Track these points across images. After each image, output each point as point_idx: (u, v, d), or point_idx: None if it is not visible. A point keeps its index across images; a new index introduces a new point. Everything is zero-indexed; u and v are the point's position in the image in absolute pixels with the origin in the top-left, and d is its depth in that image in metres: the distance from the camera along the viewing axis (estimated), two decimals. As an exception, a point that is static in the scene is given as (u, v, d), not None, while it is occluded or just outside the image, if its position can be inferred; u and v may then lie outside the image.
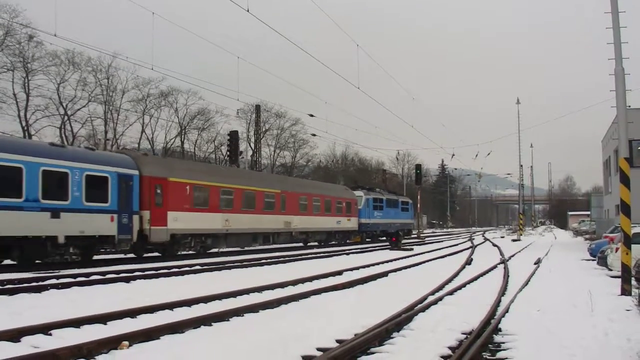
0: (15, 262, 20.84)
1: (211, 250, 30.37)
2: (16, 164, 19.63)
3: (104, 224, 23.14)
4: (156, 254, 27.29)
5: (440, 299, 13.94)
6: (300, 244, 40.86)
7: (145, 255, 26.52)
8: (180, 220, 27.09)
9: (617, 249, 18.07)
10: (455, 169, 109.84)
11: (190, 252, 28.78)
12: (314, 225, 40.95)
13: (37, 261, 21.02)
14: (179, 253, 27.92)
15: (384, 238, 51.46)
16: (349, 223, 46.32)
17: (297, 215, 38.46)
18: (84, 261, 22.66)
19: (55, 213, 20.96)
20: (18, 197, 19.70)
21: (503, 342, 9.26)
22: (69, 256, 22.19)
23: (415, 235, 62.30)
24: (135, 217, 24.76)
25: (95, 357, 8.21)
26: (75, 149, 24.83)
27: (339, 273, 20.54)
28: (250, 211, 32.92)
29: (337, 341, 9.06)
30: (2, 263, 20.59)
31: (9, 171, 19.38)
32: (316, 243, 43.23)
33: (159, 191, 26.21)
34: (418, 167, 62.41)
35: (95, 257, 24.10)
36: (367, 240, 49.82)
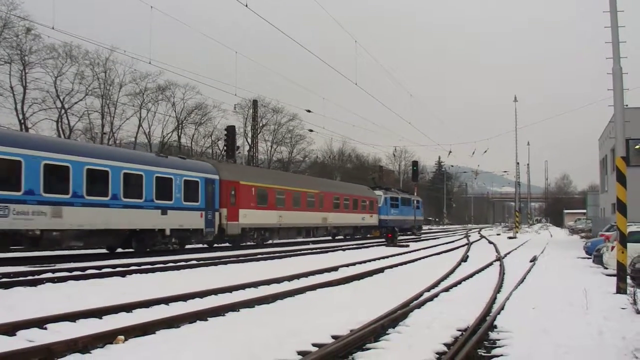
0: (132, 250, 25.46)
1: (267, 242, 35.58)
2: (139, 172, 25.17)
3: (195, 220, 28.55)
4: (204, 246, 31.14)
5: (436, 295, 13.97)
6: (294, 240, 41.37)
7: (189, 246, 30.05)
8: (248, 217, 32.80)
9: (612, 248, 18.11)
10: (452, 166, 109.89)
11: (252, 243, 33.93)
12: (344, 221, 46.61)
13: (148, 249, 25.68)
14: (244, 244, 33.14)
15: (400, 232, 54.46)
16: (371, 219, 51.42)
17: (332, 212, 44.14)
18: (181, 249, 27.89)
19: (164, 210, 26.39)
20: (140, 198, 24.96)
21: (498, 339, 9.28)
22: (171, 245, 27.21)
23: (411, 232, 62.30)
24: (217, 214, 30.29)
25: (91, 351, 8.20)
26: (175, 158, 29.80)
27: (335, 269, 20.56)
28: (297, 209, 38.77)
29: (333, 337, 9.07)
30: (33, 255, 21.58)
31: (135, 178, 24.86)
32: (341, 236, 48.41)
33: (232, 192, 31.74)
34: (415, 163, 62.62)
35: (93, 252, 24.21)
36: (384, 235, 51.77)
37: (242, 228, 32.36)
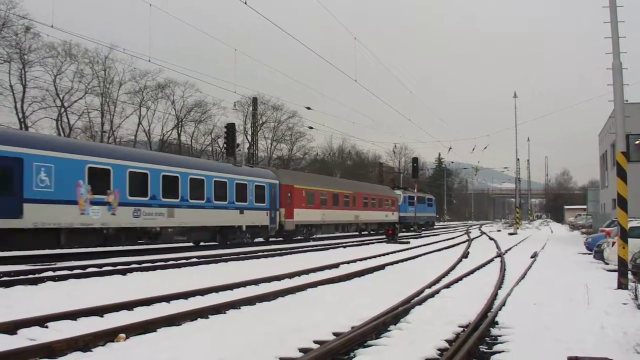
0: (216, 243, 31.14)
1: (312, 236, 41.63)
2: (224, 180, 31.38)
3: (263, 218, 34.82)
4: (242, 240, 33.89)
5: (437, 292, 13.96)
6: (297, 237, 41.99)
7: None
8: (300, 215, 38.81)
9: (613, 243, 18.11)
10: (452, 162, 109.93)
11: (301, 237, 39.95)
12: (372, 218, 52.72)
13: (228, 242, 31.55)
14: (295, 238, 39.22)
15: (414, 228, 63.19)
16: (393, 216, 57.29)
17: (362, 210, 50.23)
18: (252, 242, 34.11)
19: (242, 211, 32.65)
20: (224, 201, 31.15)
21: (500, 335, 9.28)
22: (246, 238, 33.45)
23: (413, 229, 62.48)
24: (277, 213, 36.36)
25: (92, 349, 8.20)
26: (247, 167, 35.85)
27: (336, 266, 20.56)
28: (336, 208, 44.98)
29: (334, 334, 9.06)
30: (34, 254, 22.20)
31: (221, 184, 31.03)
32: (366, 232, 53.73)
33: (289, 195, 37.75)
34: (415, 160, 62.42)
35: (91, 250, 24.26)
36: (403, 230, 58.49)
37: (296, 224, 38.64)
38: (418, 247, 33.92)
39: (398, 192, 61.76)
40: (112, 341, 8.60)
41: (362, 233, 52.32)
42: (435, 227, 79.56)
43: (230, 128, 44.92)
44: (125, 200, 24.29)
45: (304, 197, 39.66)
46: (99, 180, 23.12)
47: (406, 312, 11.02)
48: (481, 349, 8.53)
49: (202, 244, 31.11)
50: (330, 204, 43.84)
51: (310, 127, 58.94)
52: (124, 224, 24.27)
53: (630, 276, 14.68)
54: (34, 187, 20.29)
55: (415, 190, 61.86)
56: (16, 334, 8.94)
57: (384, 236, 42.16)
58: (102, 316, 10.47)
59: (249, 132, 71.81)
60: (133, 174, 24.85)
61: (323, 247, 31.74)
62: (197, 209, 28.81)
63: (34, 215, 20.31)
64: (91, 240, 23.53)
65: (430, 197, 74.41)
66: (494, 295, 13.25)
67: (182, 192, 27.74)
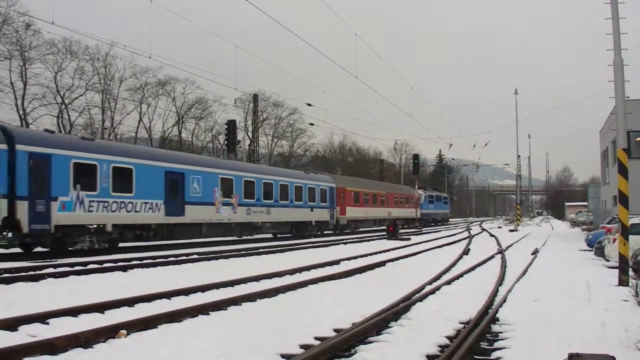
0: (291, 235, 39.11)
1: (358, 229, 51.49)
2: (301, 184, 39.78)
3: (325, 214, 43.71)
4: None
5: (438, 288, 13.97)
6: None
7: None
8: (350, 212, 47.89)
9: (614, 240, 18.10)
10: (453, 159, 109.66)
11: (348, 230, 49.00)
12: (401, 215, 60.89)
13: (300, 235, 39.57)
14: (345, 231, 48.23)
15: (432, 223, 74.63)
16: (416, 213, 64.67)
17: (393, 208, 59.01)
18: (320, 234, 42.80)
19: (312, 209, 41.29)
20: (300, 201, 39.45)
21: (501, 332, 9.28)
22: (314, 231, 41.74)
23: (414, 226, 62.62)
24: (335, 210, 45.08)
25: (93, 346, 8.21)
26: (313, 174, 44.40)
27: (337, 263, 20.57)
28: (375, 206, 53.70)
29: (335, 330, 9.07)
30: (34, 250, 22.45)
31: (299, 188, 39.30)
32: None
33: (342, 195, 46.45)
34: (416, 157, 62.23)
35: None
36: (427, 224, 71.46)
37: (348, 220, 47.57)
38: (419, 243, 33.91)
39: (420, 191, 68.57)
40: (113, 337, 8.61)
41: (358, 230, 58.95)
42: (444, 222, 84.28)
43: (231, 125, 45.02)
44: (241, 202, 32.86)
45: (352, 198, 48.70)
46: (226, 187, 31.56)
47: (407, 308, 11.03)
48: (482, 346, 8.53)
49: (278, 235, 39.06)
50: (370, 202, 52.62)
51: (311, 124, 58.90)
52: (241, 220, 32.96)
53: (631, 273, 14.70)
54: (190, 193, 28.48)
55: (416, 187, 62.09)
56: (17, 330, 8.96)
57: (385, 233, 42.18)
58: (102, 312, 10.48)
59: (250, 128, 71.93)
60: (247, 182, 33.68)
61: (324, 243, 31.71)
62: (284, 207, 37.70)
63: (191, 214, 28.43)
64: (221, 231, 31.69)
65: (446, 196, 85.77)
66: (495, 292, 13.25)
67: (275, 195, 36.58)
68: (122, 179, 24.30)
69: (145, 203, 25.50)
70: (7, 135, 19.95)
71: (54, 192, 21.10)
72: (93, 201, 22.81)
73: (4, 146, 19.64)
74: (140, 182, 25.20)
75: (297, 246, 28.99)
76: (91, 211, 22.71)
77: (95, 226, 23.03)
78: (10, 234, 20.73)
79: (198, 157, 36.64)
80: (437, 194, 78.75)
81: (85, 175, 22.49)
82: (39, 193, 20.50)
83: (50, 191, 20.99)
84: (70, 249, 22.14)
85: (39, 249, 21.97)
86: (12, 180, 19.76)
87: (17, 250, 21.75)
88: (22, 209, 19.85)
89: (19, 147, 20.04)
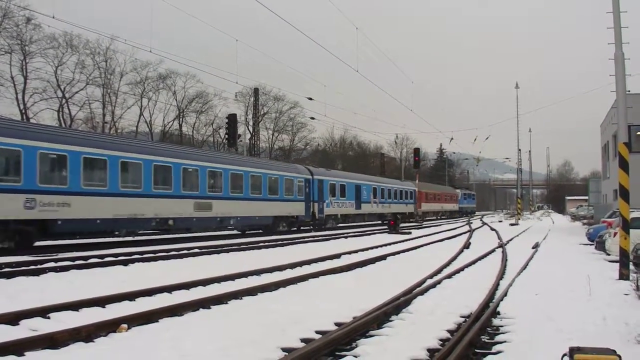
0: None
1: (426, 219, 71.97)
2: (399, 188, 59.02)
3: (412, 208, 62.43)
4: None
5: (439, 282, 13.98)
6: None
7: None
8: (424, 207, 69.43)
9: (615, 234, 18.09)
10: (454, 153, 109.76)
11: (416, 221, 63.75)
12: (448, 209, 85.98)
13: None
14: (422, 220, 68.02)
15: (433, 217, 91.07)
16: (456, 207, 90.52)
17: (444, 203, 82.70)
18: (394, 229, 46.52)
19: (407, 204, 61.40)
20: (396, 199, 56.57)
21: (501, 326, 9.29)
22: (400, 221, 45.85)
23: (414, 220, 62.89)
24: (414, 206, 63.29)
25: (94, 340, 8.22)
26: (405, 181, 63.96)
27: (337, 256, 20.57)
28: (434, 202, 76.88)
29: (336, 324, 9.07)
30: (35, 245, 21.58)
31: (396, 190, 57.78)
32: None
33: (418, 195, 65.49)
34: (416, 151, 62.30)
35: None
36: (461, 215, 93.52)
37: (423, 212, 69.64)
38: (420, 237, 33.93)
39: (457, 190, 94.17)
40: (114, 331, 8.62)
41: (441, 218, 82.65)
42: (472, 214, 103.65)
43: (232, 119, 44.88)
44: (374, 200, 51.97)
45: (424, 196, 70.77)
46: (372, 192, 51.22)
47: (408, 302, 11.04)
48: (483, 339, 8.54)
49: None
50: (431, 199, 75.47)
51: (312, 118, 58.92)
52: (374, 212, 52.16)
53: (631, 267, 14.70)
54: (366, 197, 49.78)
55: (417, 181, 62.52)
56: (18, 324, 8.96)
57: (386, 227, 42.21)
58: (104, 307, 10.49)
59: (251, 122, 71.72)
60: (378, 189, 53.10)
61: (325, 237, 31.72)
62: (383, 204, 54.23)
63: (364, 209, 48.88)
64: (359, 219, 49.29)
65: (473, 193, 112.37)
66: (496, 286, 13.26)
67: (379, 196, 53.31)
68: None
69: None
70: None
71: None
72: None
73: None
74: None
75: (298, 240, 28.99)
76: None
77: None
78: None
79: (334, 173, 49.17)
80: (468, 192, 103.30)
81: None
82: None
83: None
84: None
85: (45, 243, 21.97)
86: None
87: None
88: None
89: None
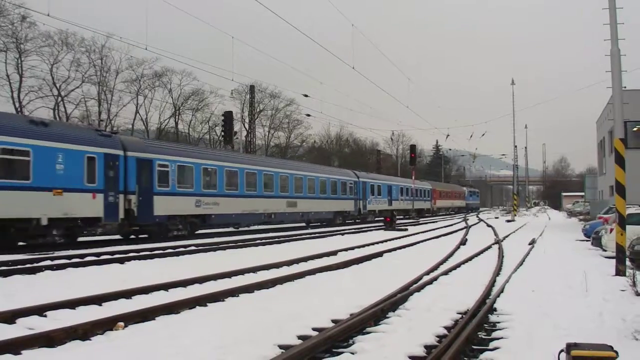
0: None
1: (437, 214, 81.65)
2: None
3: (429, 204, 74.92)
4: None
5: (436, 279, 13.99)
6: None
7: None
8: (438, 203, 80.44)
9: (611, 230, 18.12)
10: (450, 149, 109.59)
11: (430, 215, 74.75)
12: (457, 205, 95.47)
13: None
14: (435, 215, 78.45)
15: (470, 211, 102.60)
16: (463, 203, 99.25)
17: (453, 200, 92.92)
18: (418, 217, 63.37)
19: (425, 201, 74.26)
20: (419, 197, 70.74)
21: (498, 322, 9.30)
22: (415, 216, 63.04)
23: (410, 216, 62.93)
24: (430, 202, 75.23)
25: (91, 338, 8.20)
26: (423, 181, 78.22)
27: (334, 253, 20.57)
28: (446, 199, 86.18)
29: (333, 321, 9.07)
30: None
31: (420, 189, 70.69)
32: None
33: (432, 194, 76.99)
34: (412, 147, 62.36)
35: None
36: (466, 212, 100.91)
37: (437, 207, 79.95)
38: (416, 234, 33.93)
39: (464, 188, 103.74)
40: (111, 330, 8.61)
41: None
42: (477, 210, 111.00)
43: (228, 116, 44.78)
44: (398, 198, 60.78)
45: (438, 194, 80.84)
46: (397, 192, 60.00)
47: (404, 299, 11.04)
48: (480, 336, 8.55)
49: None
50: (444, 197, 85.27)
51: (308, 115, 58.99)
52: (401, 207, 60.07)
53: (628, 263, 14.73)
54: (395, 196, 60.22)
55: (413, 178, 62.41)
56: (15, 323, 8.94)
57: (383, 224, 42.22)
58: (100, 305, 10.47)
59: (247, 120, 71.57)
60: (404, 188, 62.79)
61: (321, 234, 31.73)
62: (408, 201, 63.80)
63: (394, 205, 57.23)
64: (385, 214, 45.44)
65: (478, 191, 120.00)
66: (492, 282, 13.27)
67: (405, 194, 63.56)
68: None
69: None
70: None
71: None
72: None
73: None
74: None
75: (295, 237, 28.96)
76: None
77: None
78: None
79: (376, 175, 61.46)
80: (473, 190, 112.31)
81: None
82: None
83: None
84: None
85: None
86: None
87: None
88: None
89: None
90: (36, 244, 20.87)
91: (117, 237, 26.31)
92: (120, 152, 24.39)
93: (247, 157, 39.14)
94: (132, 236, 26.58)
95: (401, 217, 58.13)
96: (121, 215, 24.10)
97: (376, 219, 53.30)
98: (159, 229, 26.70)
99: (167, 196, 26.85)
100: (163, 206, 26.50)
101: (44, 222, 20.62)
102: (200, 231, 31.04)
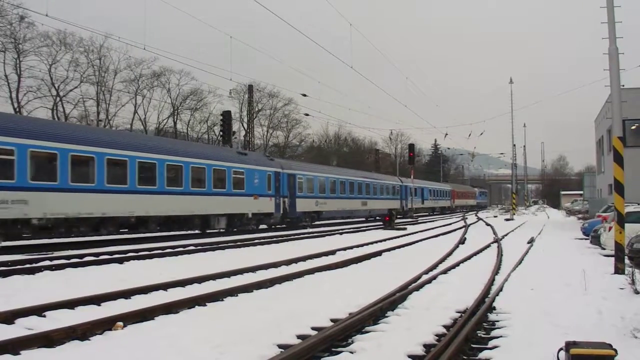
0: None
1: (459, 210, 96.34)
2: (413, 186, 67.31)
3: (449, 203, 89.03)
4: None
5: (434, 277, 13.99)
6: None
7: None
8: (456, 202, 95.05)
9: (610, 228, 18.13)
10: (448, 148, 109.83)
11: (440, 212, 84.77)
12: (470, 203, 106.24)
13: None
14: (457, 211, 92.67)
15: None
16: (475, 202, 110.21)
17: (467, 199, 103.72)
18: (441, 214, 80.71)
19: (446, 200, 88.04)
20: (441, 197, 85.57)
21: (497, 321, 9.30)
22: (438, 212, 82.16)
23: (409, 215, 62.91)
24: (449, 201, 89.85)
25: (90, 338, 8.20)
26: (442, 183, 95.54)
27: (333, 253, 20.57)
28: (462, 198, 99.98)
29: (332, 320, 9.08)
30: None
31: (435, 190, 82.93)
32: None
33: (452, 194, 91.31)
34: (411, 146, 62.39)
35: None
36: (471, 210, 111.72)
37: (455, 205, 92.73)
38: (415, 233, 33.95)
39: (475, 188, 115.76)
40: (110, 329, 8.60)
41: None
42: (485, 208, 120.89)
43: (226, 116, 44.74)
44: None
45: (456, 194, 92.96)
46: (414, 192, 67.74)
47: (403, 298, 11.04)
48: (479, 334, 8.56)
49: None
50: (461, 196, 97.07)
51: (307, 114, 58.79)
52: (430, 206, 75.53)
53: (627, 261, 14.73)
54: (427, 196, 74.93)
55: (412, 177, 62.45)
56: (14, 323, 8.94)
57: (382, 223, 42.26)
58: (99, 305, 10.47)
59: (245, 119, 71.52)
60: (432, 190, 78.21)
61: (320, 234, 31.74)
62: (435, 200, 77.40)
63: (425, 204, 73.36)
64: (422, 210, 67.79)
65: (486, 190, 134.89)
66: (491, 281, 13.28)
67: (433, 195, 75.94)
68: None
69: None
70: None
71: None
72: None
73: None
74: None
75: (293, 237, 28.94)
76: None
77: None
78: None
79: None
80: (482, 190, 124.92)
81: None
82: None
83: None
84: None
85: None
86: None
87: (13, 243, 21.66)
88: None
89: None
90: (66, 243, 23.25)
91: (118, 237, 26.31)
92: (280, 170, 37.13)
93: (343, 170, 52.95)
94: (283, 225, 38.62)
95: (427, 214, 73.71)
96: (281, 211, 36.74)
97: (414, 214, 64.45)
98: (297, 221, 39.50)
99: (303, 198, 40.12)
100: (301, 205, 39.78)
101: (249, 215, 33.45)
102: (197, 232, 31.07)
